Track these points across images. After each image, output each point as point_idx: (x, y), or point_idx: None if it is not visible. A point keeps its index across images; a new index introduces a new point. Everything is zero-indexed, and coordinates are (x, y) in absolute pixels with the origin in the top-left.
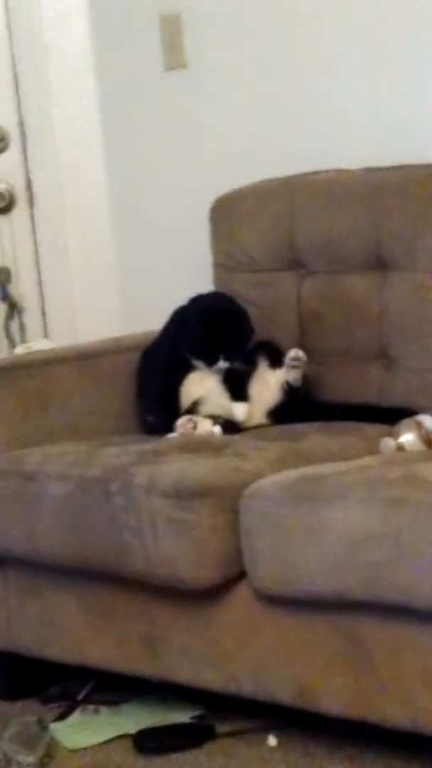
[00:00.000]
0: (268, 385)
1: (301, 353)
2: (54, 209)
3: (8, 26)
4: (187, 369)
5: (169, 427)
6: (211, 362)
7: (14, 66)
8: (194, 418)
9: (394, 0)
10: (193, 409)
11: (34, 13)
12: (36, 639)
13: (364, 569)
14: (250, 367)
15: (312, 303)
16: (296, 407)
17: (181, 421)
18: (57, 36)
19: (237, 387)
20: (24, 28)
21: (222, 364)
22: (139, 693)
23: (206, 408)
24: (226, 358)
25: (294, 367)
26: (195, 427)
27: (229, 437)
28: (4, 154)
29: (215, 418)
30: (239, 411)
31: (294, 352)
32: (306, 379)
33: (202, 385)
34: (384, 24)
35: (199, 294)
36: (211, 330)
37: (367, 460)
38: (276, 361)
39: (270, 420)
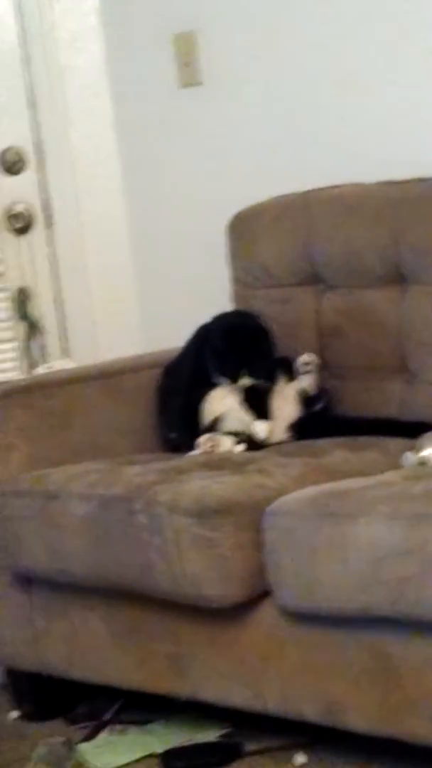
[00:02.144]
0: (287, 399)
1: (311, 357)
2: (72, 228)
3: (24, 48)
4: (209, 386)
5: (191, 445)
6: (234, 379)
7: (31, 87)
8: (215, 436)
9: (408, 15)
10: (214, 427)
11: (49, 35)
12: (62, 659)
13: (389, 585)
14: (270, 383)
15: (331, 318)
16: (316, 420)
17: (203, 440)
18: (72, 56)
19: (258, 405)
20: (39, 49)
21: (245, 381)
22: (166, 712)
23: (227, 425)
24: (250, 375)
25: (307, 372)
26: (216, 445)
27: (251, 454)
28: (21, 175)
29: (237, 436)
30: (261, 429)
31: (304, 357)
32: (325, 392)
33: (224, 403)
34: (399, 38)
35: (222, 312)
36: (234, 347)
37: (389, 475)
38: (293, 375)
39: (291, 434)
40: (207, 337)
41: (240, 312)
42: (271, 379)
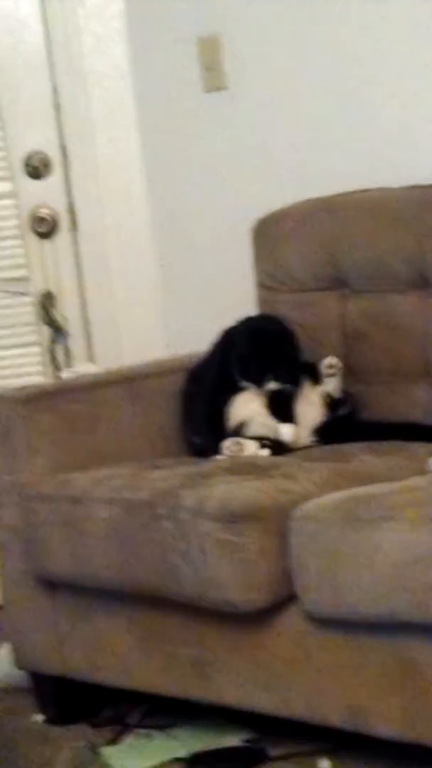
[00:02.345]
0: (312, 403)
1: (335, 360)
2: (96, 233)
3: (49, 52)
4: (234, 390)
5: (216, 449)
6: (259, 383)
7: (55, 92)
8: (241, 440)
9: None
10: (239, 431)
11: (74, 39)
12: (86, 663)
13: (416, 590)
14: (296, 388)
15: (356, 322)
16: (341, 424)
17: (228, 444)
18: (96, 61)
19: (283, 409)
20: (64, 54)
21: (271, 385)
22: (191, 717)
23: (252, 430)
24: (275, 379)
25: (331, 375)
26: (242, 450)
27: (277, 459)
28: (46, 180)
29: (262, 440)
30: (286, 432)
31: (328, 360)
32: (350, 396)
33: (248, 407)
34: (425, 41)
35: (247, 316)
36: (260, 351)
37: (415, 480)
38: (318, 379)
39: (316, 439)
40: (232, 341)
41: (265, 316)
42: (297, 384)
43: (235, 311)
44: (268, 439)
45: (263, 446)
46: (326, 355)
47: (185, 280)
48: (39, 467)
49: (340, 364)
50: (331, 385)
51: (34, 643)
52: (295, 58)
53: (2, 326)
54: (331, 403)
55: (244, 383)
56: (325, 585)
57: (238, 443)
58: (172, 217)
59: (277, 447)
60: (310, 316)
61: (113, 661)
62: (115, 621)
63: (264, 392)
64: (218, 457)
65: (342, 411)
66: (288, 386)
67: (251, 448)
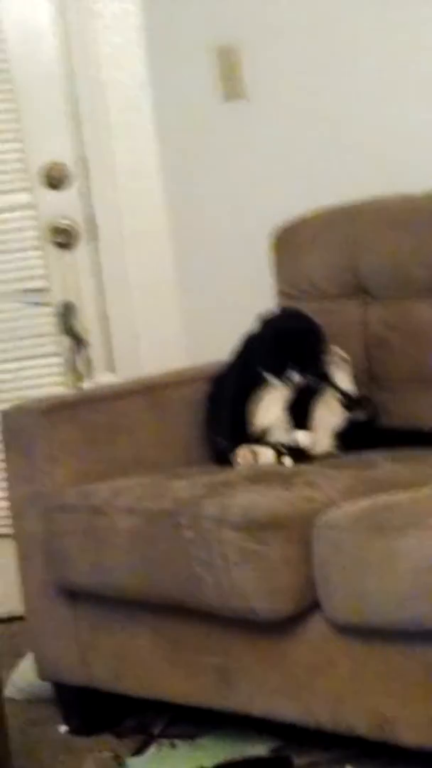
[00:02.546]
0: (332, 409)
1: (341, 352)
2: (116, 242)
3: (67, 63)
4: (257, 385)
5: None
6: (282, 374)
7: (73, 102)
8: (255, 447)
9: None
10: (262, 437)
11: (92, 49)
12: (109, 673)
13: None
14: (321, 384)
15: (378, 329)
16: (363, 430)
17: (241, 452)
18: (115, 71)
19: (301, 415)
20: (82, 64)
21: (295, 377)
22: (215, 726)
23: (274, 436)
24: (300, 372)
25: (333, 363)
26: (255, 458)
27: (298, 467)
28: (65, 191)
29: (278, 447)
30: (303, 438)
31: (332, 351)
32: (368, 400)
33: (272, 412)
34: None
35: (270, 311)
36: (285, 342)
37: None
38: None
39: (338, 444)
40: (254, 341)
41: (293, 310)
42: (320, 379)
43: (255, 320)
44: (284, 446)
45: (281, 454)
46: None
47: (205, 289)
48: (60, 478)
49: (343, 354)
50: (341, 377)
51: (56, 653)
52: (314, 66)
53: (23, 337)
54: (348, 403)
55: (267, 375)
56: (349, 593)
57: (252, 449)
58: (191, 226)
59: (297, 454)
60: (331, 324)
61: (136, 670)
62: (137, 630)
63: (287, 385)
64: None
65: (361, 415)
66: (312, 380)
67: (266, 456)
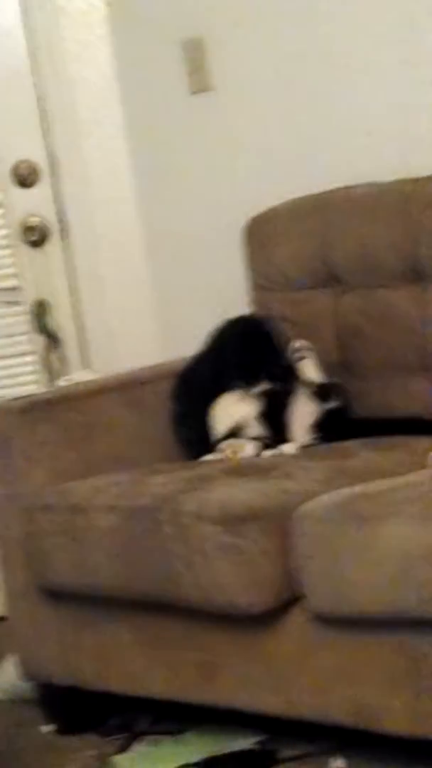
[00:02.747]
0: (305, 404)
1: (299, 342)
2: (88, 239)
3: (33, 61)
4: (223, 388)
5: (204, 446)
6: (252, 384)
7: (41, 100)
8: (237, 441)
9: (420, 10)
10: (235, 434)
11: (58, 47)
12: (92, 671)
13: (420, 586)
14: (287, 385)
15: (350, 318)
16: (337, 419)
17: (224, 446)
18: (81, 67)
19: (275, 420)
20: (48, 62)
21: (264, 386)
22: (199, 722)
23: (248, 433)
24: (267, 379)
25: (301, 358)
26: (238, 452)
27: (277, 458)
28: (35, 188)
29: (260, 440)
30: (289, 450)
31: (293, 345)
32: (340, 388)
33: (239, 408)
34: (411, 34)
35: (234, 318)
36: (250, 353)
37: (417, 476)
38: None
39: (315, 435)
40: (222, 344)
41: (251, 317)
42: (287, 382)
43: (230, 313)
44: (267, 437)
45: (265, 446)
46: (322, 353)
47: (178, 284)
48: (38, 477)
49: (307, 345)
50: (307, 369)
51: (39, 653)
52: (280, 57)
53: None
54: (319, 391)
55: (237, 385)
56: (329, 584)
57: (234, 445)
58: (162, 220)
59: (278, 443)
60: (304, 314)
61: (119, 668)
62: (119, 628)
63: (256, 393)
64: (209, 457)
65: (333, 403)
66: (279, 385)
67: (248, 450)
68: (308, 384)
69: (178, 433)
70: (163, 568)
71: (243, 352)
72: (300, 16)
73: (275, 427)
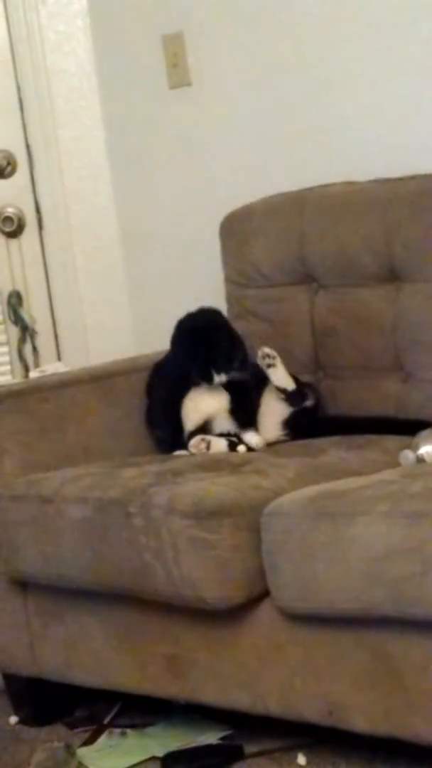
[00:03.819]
0: (277, 397)
1: (267, 349)
2: (62, 231)
3: (11, 51)
4: (191, 383)
5: (176, 442)
6: (209, 379)
7: (19, 91)
8: (207, 437)
9: (398, 11)
10: (204, 428)
11: (36, 37)
12: (60, 663)
13: (389, 584)
14: (246, 375)
15: (325, 317)
16: (309, 417)
17: (194, 441)
18: (60, 59)
19: (244, 413)
20: (26, 52)
21: (219, 378)
22: (166, 715)
23: (219, 427)
24: (219, 372)
25: (270, 365)
26: (208, 447)
27: (248, 455)
28: (11, 179)
29: (229, 437)
30: (251, 439)
31: (263, 350)
32: (311, 387)
33: (208, 403)
34: (389, 35)
35: (188, 313)
36: (200, 347)
37: (387, 474)
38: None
39: (286, 431)
40: (180, 337)
41: (199, 311)
42: (245, 370)
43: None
44: (236, 435)
45: (233, 444)
46: (296, 351)
47: (153, 278)
48: (9, 468)
49: (273, 353)
50: (276, 377)
51: (6, 643)
52: (258, 54)
53: None
54: (288, 397)
55: (198, 381)
56: (299, 580)
57: (204, 441)
58: (138, 215)
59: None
60: (279, 312)
61: (87, 660)
62: (88, 620)
63: (218, 386)
64: (181, 451)
65: (306, 403)
66: (236, 374)
67: (219, 445)
68: (280, 391)
69: (151, 427)
70: (133, 562)
71: (193, 350)
72: (278, 14)
73: (245, 421)
